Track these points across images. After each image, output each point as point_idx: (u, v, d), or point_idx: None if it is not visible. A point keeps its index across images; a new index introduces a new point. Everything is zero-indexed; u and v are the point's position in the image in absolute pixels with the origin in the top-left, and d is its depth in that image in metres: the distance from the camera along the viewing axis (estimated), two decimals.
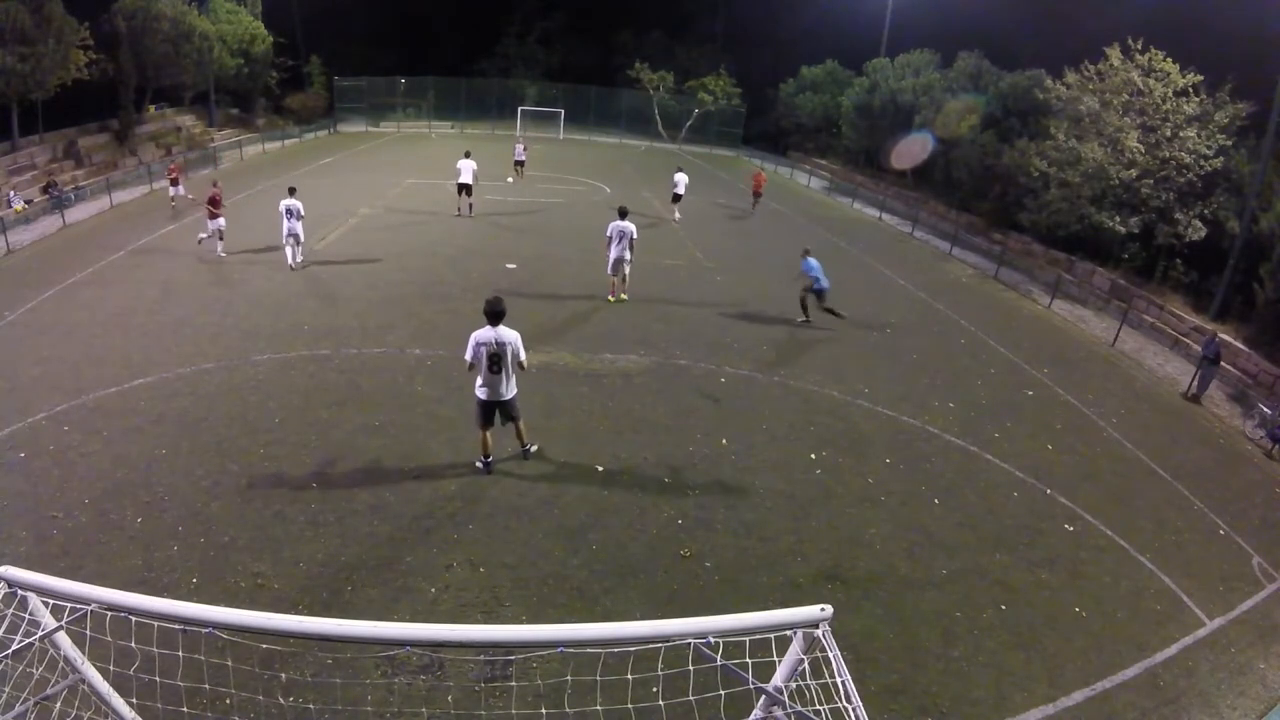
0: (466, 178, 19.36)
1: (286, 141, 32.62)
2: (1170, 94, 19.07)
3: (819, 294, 13.55)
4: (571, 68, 48.12)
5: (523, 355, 7.35)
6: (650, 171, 32.59)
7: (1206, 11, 20.82)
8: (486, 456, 7.84)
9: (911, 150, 29.49)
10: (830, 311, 13.70)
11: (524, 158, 26.20)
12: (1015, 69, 26.71)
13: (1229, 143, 18.58)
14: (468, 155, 19.88)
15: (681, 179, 21.82)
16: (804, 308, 13.77)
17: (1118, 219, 19.40)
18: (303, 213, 14.07)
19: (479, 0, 48.07)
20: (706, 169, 35.41)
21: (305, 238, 14.58)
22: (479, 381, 7.36)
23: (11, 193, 18.62)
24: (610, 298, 13.91)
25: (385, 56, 43.94)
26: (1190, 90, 18.91)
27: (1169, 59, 19.20)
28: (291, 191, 14.22)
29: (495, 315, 7.14)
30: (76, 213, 18.46)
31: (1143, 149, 19.06)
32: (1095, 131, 20.14)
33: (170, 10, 26.68)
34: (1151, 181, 19.02)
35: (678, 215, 21.87)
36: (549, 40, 50.14)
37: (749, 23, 47.43)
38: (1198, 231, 18.64)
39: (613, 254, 13.43)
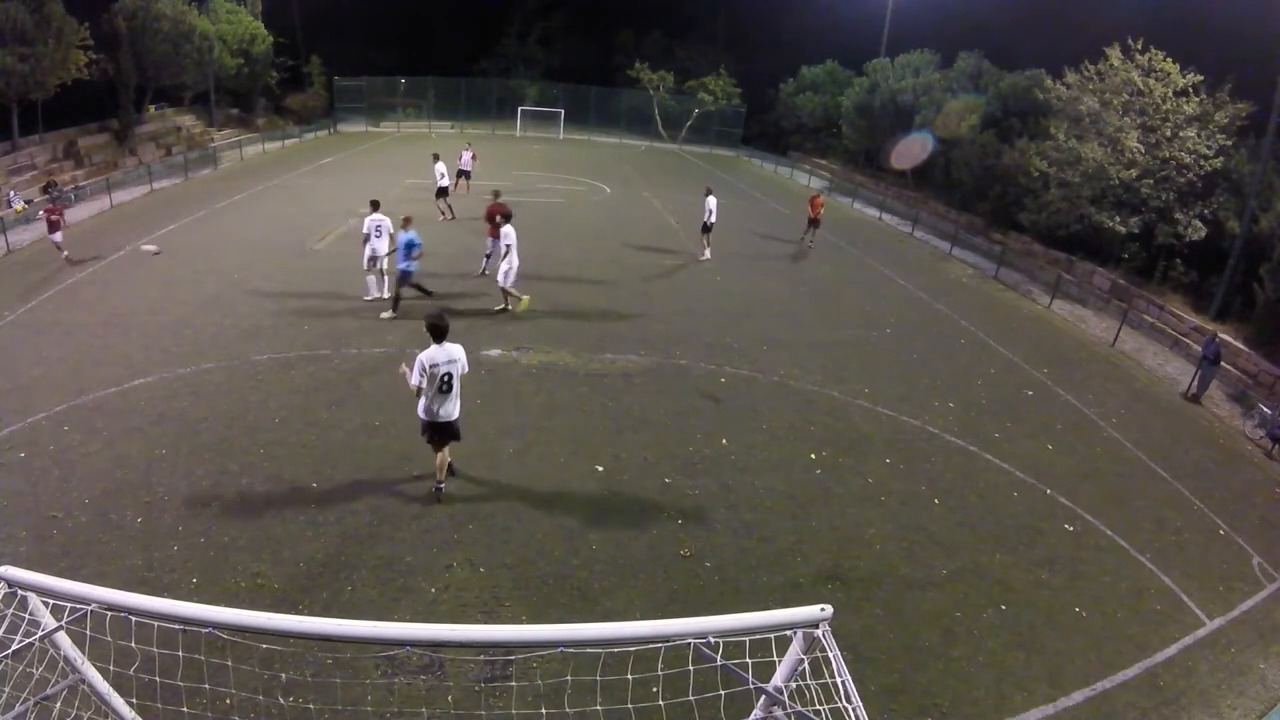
0: (443, 182, 19.01)
1: (286, 141, 32.63)
2: (1170, 94, 19.06)
3: (402, 274, 11.96)
4: (571, 68, 48.11)
5: (467, 367, 6.98)
6: (650, 171, 32.60)
7: (1206, 11, 20.85)
8: (442, 481, 7.37)
9: (911, 150, 29.48)
10: (418, 288, 12.49)
11: (471, 167, 22.92)
12: (1015, 69, 26.72)
13: (1229, 143, 18.58)
14: (436, 159, 19.20)
15: (712, 204, 17.32)
16: (421, 289, 12.56)
17: (1118, 219, 19.40)
18: (393, 230, 12.33)
19: (479, 0, 48.12)
20: (713, 172, 35.37)
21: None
22: (423, 403, 6.80)
23: (11, 193, 18.62)
24: (521, 303, 12.70)
25: (385, 56, 43.99)
26: (1190, 90, 18.90)
27: (1169, 59, 19.19)
28: (375, 205, 12.50)
29: (441, 331, 6.66)
30: (76, 213, 18.46)
31: (1143, 149, 19.06)
32: (1095, 131, 20.14)
33: (170, 10, 26.68)
34: (1151, 181, 19.02)
35: (707, 252, 17.81)
36: (549, 40, 50.18)
37: (749, 23, 47.49)
38: (1198, 231, 18.64)
39: (505, 265, 12.26)
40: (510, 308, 12.81)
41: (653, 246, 18.49)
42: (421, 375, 6.54)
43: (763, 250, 19.78)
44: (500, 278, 12.39)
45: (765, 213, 25.37)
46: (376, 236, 12.37)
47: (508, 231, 12.11)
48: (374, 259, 12.54)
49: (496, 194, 14.31)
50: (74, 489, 7.08)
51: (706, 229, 17.65)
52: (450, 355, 6.65)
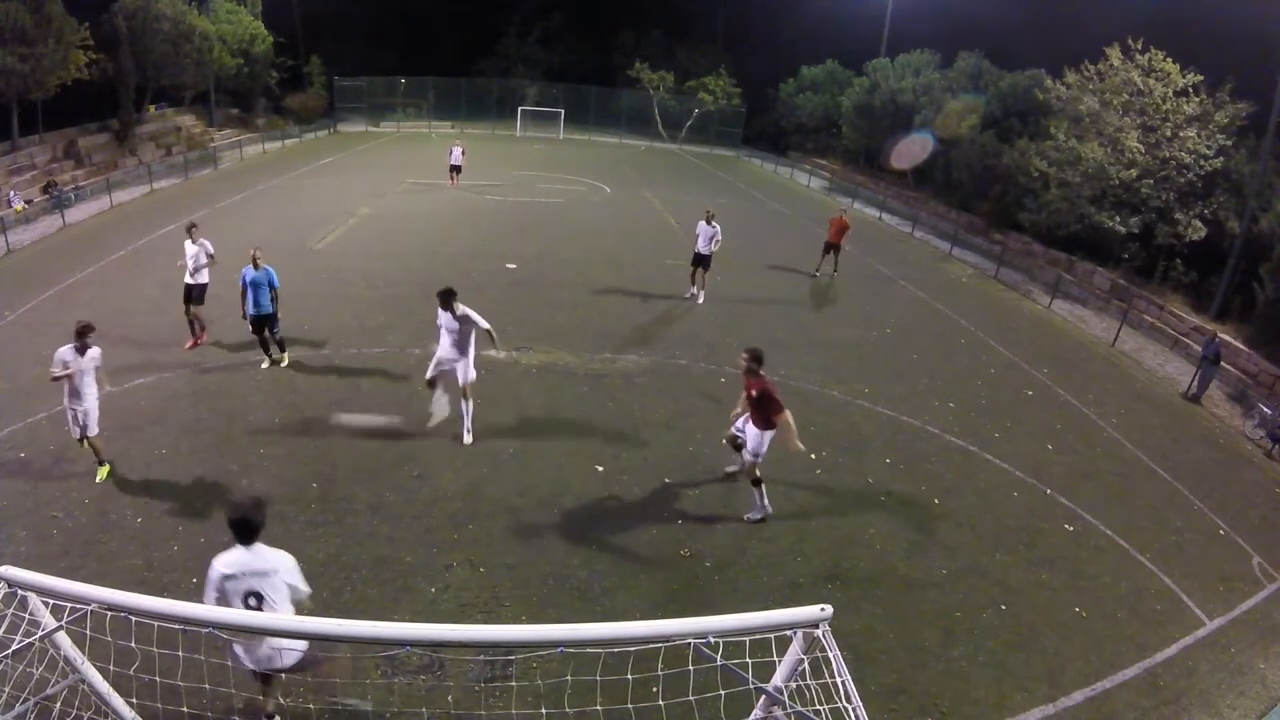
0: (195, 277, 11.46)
1: (286, 141, 32.62)
2: (1170, 94, 19.08)
3: (255, 320, 9.67)
4: (571, 68, 48.13)
5: (301, 585, 4.20)
6: (650, 171, 32.59)
7: (1206, 11, 20.81)
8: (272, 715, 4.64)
9: (911, 150, 29.49)
10: (265, 345, 9.91)
11: (460, 162, 23.61)
12: (1015, 69, 26.74)
13: (1229, 143, 18.59)
14: (191, 230, 10.97)
15: (710, 232, 13.65)
16: (266, 349, 10.01)
17: (1118, 219, 19.41)
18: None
19: (479, 0, 48.11)
20: (713, 172, 35.37)
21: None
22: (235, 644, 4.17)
23: (11, 193, 18.60)
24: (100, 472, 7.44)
25: (385, 56, 43.96)
26: (1190, 90, 18.92)
27: (1169, 59, 19.22)
28: (449, 297, 8.08)
29: (249, 529, 4.06)
30: (76, 213, 18.45)
31: (1143, 149, 19.07)
32: (1095, 131, 20.15)
33: (170, 10, 26.65)
34: (1151, 181, 19.03)
35: (698, 292, 14.32)
36: (549, 40, 50.13)
37: (749, 23, 47.47)
38: (1198, 231, 18.65)
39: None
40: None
41: (652, 246, 18.48)
42: (216, 596, 3.98)
43: (767, 274, 19.77)
44: (90, 428, 7.14)
45: (766, 213, 25.35)
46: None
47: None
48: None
49: (755, 358, 7.43)
50: (74, 489, 7.07)
51: (700, 262, 13.97)
52: (261, 565, 4.04)
